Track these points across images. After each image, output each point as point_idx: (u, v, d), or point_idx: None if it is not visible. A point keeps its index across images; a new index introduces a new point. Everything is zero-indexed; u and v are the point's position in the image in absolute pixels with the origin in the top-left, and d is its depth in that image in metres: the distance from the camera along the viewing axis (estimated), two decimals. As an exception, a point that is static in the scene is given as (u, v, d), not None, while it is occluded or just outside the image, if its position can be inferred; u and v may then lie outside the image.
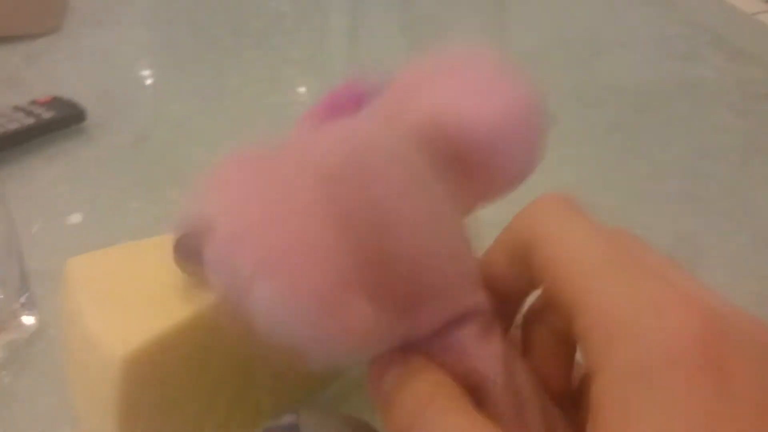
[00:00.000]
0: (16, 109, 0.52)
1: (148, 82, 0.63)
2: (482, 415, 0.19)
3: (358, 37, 0.69)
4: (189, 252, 0.23)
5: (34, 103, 0.53)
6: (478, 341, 0.21)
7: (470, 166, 0.22)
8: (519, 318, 0.24)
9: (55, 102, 0.53)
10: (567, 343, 0.22)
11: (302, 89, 0.61)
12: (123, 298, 0.26)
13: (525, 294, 0.23)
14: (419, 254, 0.20)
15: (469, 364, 0.20)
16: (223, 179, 0.20)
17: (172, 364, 0.25)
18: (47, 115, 0.52)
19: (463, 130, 0.22)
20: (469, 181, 0.23)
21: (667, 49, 0.62)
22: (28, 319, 0.35)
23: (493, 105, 0.22)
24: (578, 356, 0.22)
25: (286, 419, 0.25)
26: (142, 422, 0.25)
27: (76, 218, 0.45)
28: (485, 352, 0.21)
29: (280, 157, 0.21)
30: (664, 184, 0.48)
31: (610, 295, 0.17)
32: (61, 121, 0.52)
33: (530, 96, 0.23)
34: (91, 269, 0.28)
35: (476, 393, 0.20)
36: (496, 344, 0.21)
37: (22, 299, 0.34)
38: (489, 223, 0.23)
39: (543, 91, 0.23)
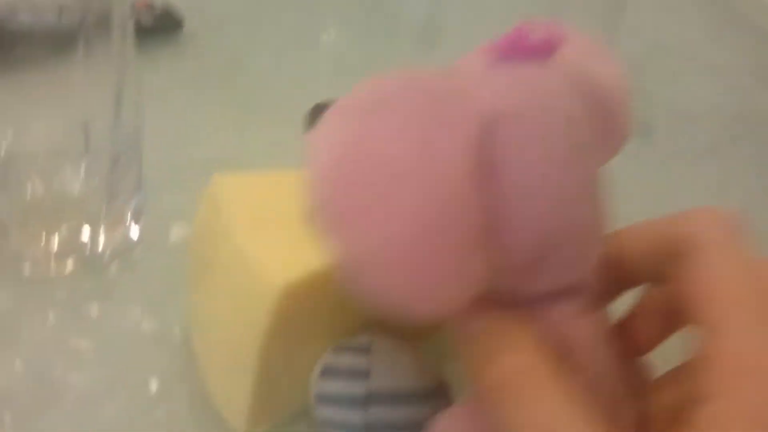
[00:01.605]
0: (114, 7, 0.50)
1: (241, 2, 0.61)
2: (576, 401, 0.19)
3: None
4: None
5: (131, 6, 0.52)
6: (574, 318, 0.21)
7: (600, 124, 0.23)
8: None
9: (152, 7, 0.52)
10: (670, 330, 0.23)
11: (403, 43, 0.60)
12: (278, 227, 0.26)
13: (644, 282, 0.24)
14: (555, 229, 0.19)
15: (559, 338, 0.20)
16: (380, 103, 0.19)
17: (319, 301, 0.25)
18: (146, 19, 0.50)
19: (599, 85, 0.23)
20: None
21: (762, 78, 0.61)
22: (134, 224, 0.34)
23: (614, 67, 0.24)
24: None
25: (361, 339, 0.25)
26: (281, 351, 0.25)
27: (162, 131, 0.44)
28: (578, 331, 0.21)
29: (440, 88, 0.19)
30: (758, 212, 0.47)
31: (743, 335, 0.18)
32: (159, 27, 0.51)
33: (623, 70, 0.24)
34: (241, 191, 0.27)
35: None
36: (588, 324, 0.21)
37: (134, 201, 0.34)
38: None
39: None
